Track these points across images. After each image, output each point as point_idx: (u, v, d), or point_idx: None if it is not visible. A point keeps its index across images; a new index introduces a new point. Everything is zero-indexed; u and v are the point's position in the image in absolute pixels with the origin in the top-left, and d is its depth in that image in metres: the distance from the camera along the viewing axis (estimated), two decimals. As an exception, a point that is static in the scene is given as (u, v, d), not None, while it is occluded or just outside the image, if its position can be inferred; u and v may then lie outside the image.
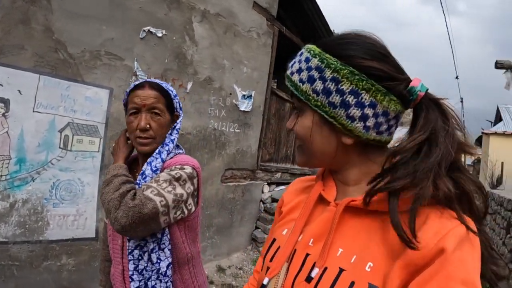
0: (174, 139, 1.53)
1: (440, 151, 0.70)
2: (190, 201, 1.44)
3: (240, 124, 5.28)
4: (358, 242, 0.75)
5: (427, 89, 0.77)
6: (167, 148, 1.49)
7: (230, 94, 5.07)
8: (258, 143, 5.61)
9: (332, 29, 6.72)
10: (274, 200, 5.83)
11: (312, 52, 0.80)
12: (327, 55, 0.77)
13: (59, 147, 3.35)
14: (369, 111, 0.75)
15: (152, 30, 3.98)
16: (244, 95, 5.28)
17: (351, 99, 0.74)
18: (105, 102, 3.65)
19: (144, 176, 1.42)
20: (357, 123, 0.75)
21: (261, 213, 5.87)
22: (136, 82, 1.51)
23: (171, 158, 1.49)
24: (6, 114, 3.03)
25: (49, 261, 3.32)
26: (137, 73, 3.89)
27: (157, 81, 1.55)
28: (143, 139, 1.45)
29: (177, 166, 1.41)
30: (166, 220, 1.35)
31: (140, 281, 1.41)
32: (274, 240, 0.95)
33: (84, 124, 3.50)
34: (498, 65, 5.31)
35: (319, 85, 0.76)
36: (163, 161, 1.46)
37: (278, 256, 0.85)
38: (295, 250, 0.83)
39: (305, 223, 0.86)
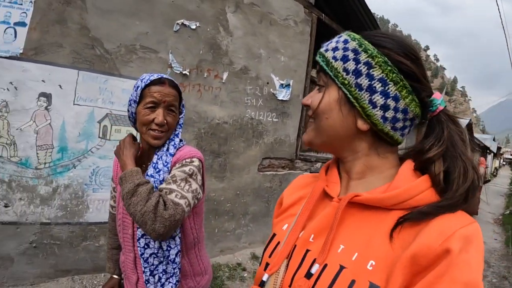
0: (178, 133, 1.63)
1: (472, 172, 0.72)
2: (199, 190, 1.54)
3: (278, 113, 5.30)
4: (360, 239, 0.74)
5: (446, 106, 0.80)
6: (173, 143, 1.58)
7: (267, 83, 5.10)
8: (297, 132, 5.60)
9: (374, 14, 6.47)
10: (312, 189, 5.72)
11: (352, 36, 0.82)
12: (366, 42, 0.79)
13: (98, 137, 3.62)
14: (391, 103, 0.77)
15: (186, 22, 4.11)
16: (282, 84, 5.28)
17: (378, 86, 0.76)
18: (141, 94, 3.83)
19: (157, 170, 1.51)
20: (377, 110, 0.77)
21: (299, 202, 5.78)
22: (153, 77, 1.55)
23: (177, 150, 1.58)
24: (48, 107, 3.32)
25: (87, 241, 3.62)
26: (172, 65, 4.04)
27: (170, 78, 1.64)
28: (158, 133, 1.52)
29: (187, 160, 1.52)
30: (186, 215, 1.46)
31: (150, 266, 1.51)
32: (274, 235, 0.95)
33: (121, 115, 3.73)
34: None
35: (351, 65, 0.78)
36: (172, 155, 1.55)
37: (278, 252, 0.85)
38: (295, 246, 0.83)
39: (307, 218, 0.86)
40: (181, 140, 1.66)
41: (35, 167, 3.33)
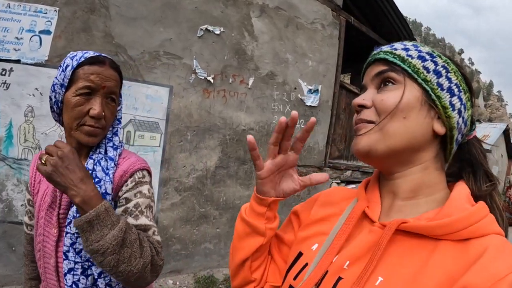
0: (117, 131, 1.26)
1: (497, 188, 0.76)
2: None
3: (307, 120, 5.15)
4: (402, 273, 0.66)
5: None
6: (111, 144, 1.22)
7: (295, 88, 4.99)
8: (326, 139, 5.46)
9: (407, 17, 6.27)
10: (342, 197, 5.57)
11: (420, 44, 0.80)
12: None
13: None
14: (463, 110, 0.75)
15: (210, 28, 4.07)
16: (310, 90, 5.16)
17: (455, 90, 0.75)
18: (165, 100, 3.83)
19: (96, 179, 1.12)
20: (455, 113, 0.74)
21: (328, 211, 5.63)
22: (88, 54, 1.16)
23: (120, 155, 1.22)
24: (73, 113, 3.33)
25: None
26: (197, 71, 4.00)
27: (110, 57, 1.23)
28: (94, 129, 1.13)
29: (139, 175, 1.20)
30: None
31: None
32: (300, 254, 0.86)
33: (145, 120, 3.72)
34: None
35: (430, 65, 0.75)
36: (113, 160, 1.18)
37: (307, 278, 0.76)
38: (327, 271, 0.75)
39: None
40: (120, 142, 1.27)
41: (59, 171, 3.35)
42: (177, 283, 3.95)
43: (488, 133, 19.85)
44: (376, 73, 0.78)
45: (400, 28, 6.38)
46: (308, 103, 5.16)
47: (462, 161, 0.80)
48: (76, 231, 1.08)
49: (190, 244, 4.17)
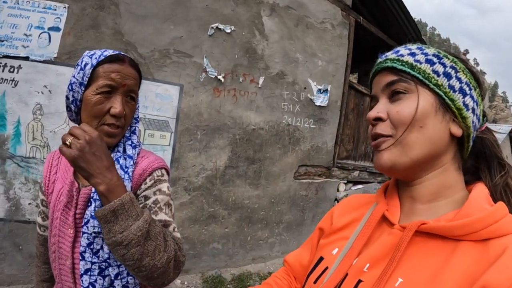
0: (135, 129, 1.24)
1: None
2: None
3: (316, 120, 5.12)
4: (422, 274, 0.66)
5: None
6: (130, 142, 1.20)
7: (305, 88, 4.94)
8: (334, 139, 5.40)
9: (413, 17, 6.21)
10: (350, 198, 5.53)
11: (425, 45, 0.79)
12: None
13: (132, 142, 3.56)
14: (476, 107, 0.75)
15: (221, 26, 4.02)
16: (319, 90, 5.10)
17: (466, 89, 0.74)
18: (176, 98, 3.79)
19: None
20: (470, 113, 0.74)
21: (336, 212, 5.59)
22: (108, 52, 1.14)
23: (138, 154, 1.21)
24: (82, 112, 3.28)
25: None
26: (207, 70, 3.96)
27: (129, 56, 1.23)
28: (114, 128, 1.12)
29: (158, 174, 1.18)
30: None
31: None
32: (321, 258, 0.87)
33: (155, 119, 3.67)
34: None
35: (439, 68, 0.74)
36: (132, 158, 1.16)
37: (327, 280, 0.77)
38: (346, 274, 0.76)
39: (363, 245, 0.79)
40: (138, 141, 1.26)
41: (68, 170, 3.30)
42: (185, 282, 3.91)
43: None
44: (386, 84, 0.77)
45: (409, 29, 6.33)
46: (318, 103, 5.10)
47: (476, 155, 0.80)
48: (94, 230, 1.06)
49: (198, 244, 4.14)
